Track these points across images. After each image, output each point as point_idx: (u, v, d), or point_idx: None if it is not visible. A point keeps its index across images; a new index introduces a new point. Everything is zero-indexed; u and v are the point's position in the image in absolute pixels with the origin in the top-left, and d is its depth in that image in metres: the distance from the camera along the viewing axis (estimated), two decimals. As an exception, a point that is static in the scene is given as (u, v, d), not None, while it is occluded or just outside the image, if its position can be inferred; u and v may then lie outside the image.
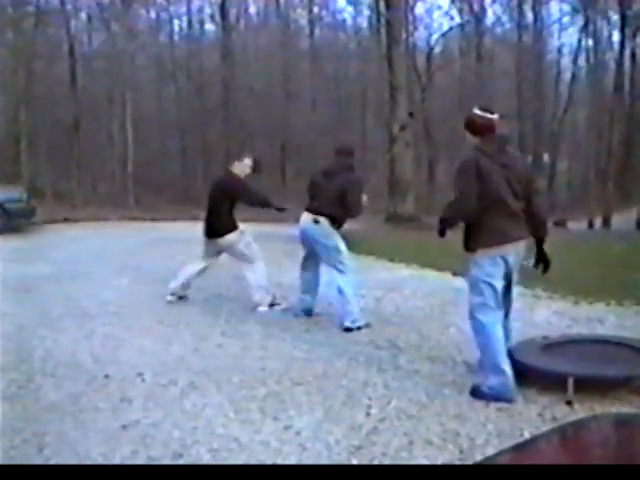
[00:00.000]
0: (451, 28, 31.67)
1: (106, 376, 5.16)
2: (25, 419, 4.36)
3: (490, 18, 32.26)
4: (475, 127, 4.81)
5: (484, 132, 4.77)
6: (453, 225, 5.04)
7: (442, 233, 5.13)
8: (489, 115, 4.85)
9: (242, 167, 7.80)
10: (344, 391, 4.81)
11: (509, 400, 4.49)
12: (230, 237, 7.56)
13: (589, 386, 4.52)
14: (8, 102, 26.30)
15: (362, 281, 8.41)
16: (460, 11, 31.68)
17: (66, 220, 18.90)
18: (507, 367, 4.56)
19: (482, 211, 4.64)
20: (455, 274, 9.18)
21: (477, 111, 4.88)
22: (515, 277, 5.01)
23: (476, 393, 4.62)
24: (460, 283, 8.68)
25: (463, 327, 6.37)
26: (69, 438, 4.08)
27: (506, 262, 4.79)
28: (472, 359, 5.40)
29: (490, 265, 4.77)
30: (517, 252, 4.89)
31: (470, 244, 4.90)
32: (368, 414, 4.39)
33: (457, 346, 5.82)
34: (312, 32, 32.40)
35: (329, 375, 5.17)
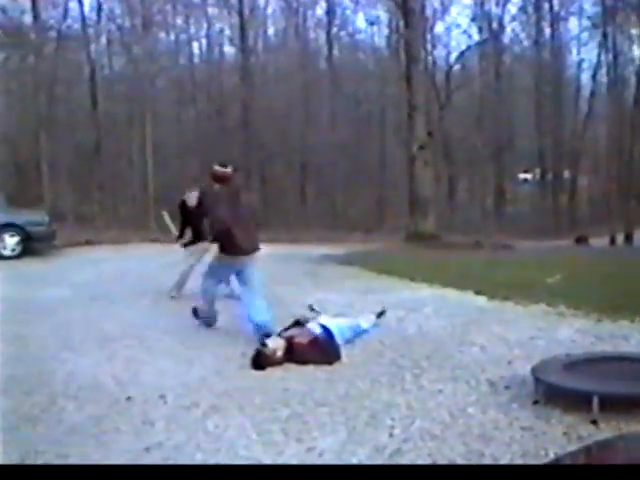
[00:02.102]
0: (469, 47, 31.68)
1: (128, 398, 5.17)
2: (48, 441, 4.38)
3: (508, 35, 32.30)
4: (217, 177, 7.14)
5: (222, 181, 7.13)
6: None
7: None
8: (224, 169, 7.15)
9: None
10: (367, 412, 4.79)
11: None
12: None
13: (614, 405, 4.48)
14: (30, 126, 26.55)
15: (384, 301, 8.42)
16: (479, 29, 31.72)
17: (87, 243, 19.01)
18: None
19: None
20: (477, 293, 9.16)
21: (216, 167, 7.18)
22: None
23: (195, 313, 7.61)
24: (482, 302, 8.69)
25: (486, 346, 6.36)
26: (92, 460, 4.09)
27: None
28: (496, 378, 5.38)
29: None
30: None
31: None
32: (391, 435, 4.37)
33: (480, 365, 5.77)
34: (331, 52, 32.49)
35: (352, 396, 5.15)
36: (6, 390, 5.42)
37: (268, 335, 6.59)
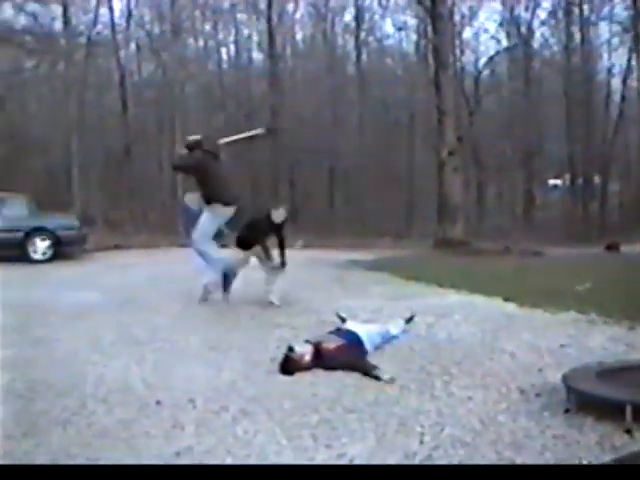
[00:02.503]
0: (498, 52, 31.55)
1: (158, 402, 5.19)
2: (79, 445, 4.40)
3: (538, 40, 32.09)
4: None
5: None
6: None
7: None
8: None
9: None
10: (397, 419, 4.77)
11: None
12: None
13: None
14: (60, 131, 26.85)
15: (412, 307, 8.39)
16: (507, 34, 31.56)
17: (117, 247, 19.17)
18: None
19: None
20: (506, 300, 9.10)
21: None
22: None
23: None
24: (512, 309, 8.63)
25: (516, 353, 6.31)
26: (122, 464, 4.10)
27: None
28: (526, 386, 5.33)
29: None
30: None
31: None
32: (422, 442, 4.34)
33: (510, 373, 5.73)
34: (359, 57, 32.46)
35: (381, 402, 5.13)
36: (38, 393, 5.47)
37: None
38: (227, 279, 9.41)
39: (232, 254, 9.38)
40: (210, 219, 9.09)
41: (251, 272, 9.39)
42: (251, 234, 9.26)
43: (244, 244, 9.26)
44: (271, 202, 9.39)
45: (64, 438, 4.53)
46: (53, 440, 4.50)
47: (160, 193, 27.97)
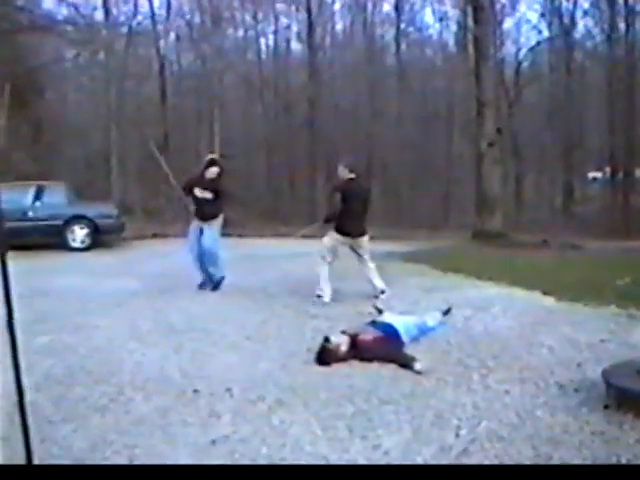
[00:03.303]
0: (539, 42, 31.16)
1: (195, 391, 5.22)
2: (116, 431, 4.45)
3: (580, 31, 31.63)
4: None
5: None
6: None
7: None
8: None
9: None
10: (433, 411, 4.75)
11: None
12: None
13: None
14: (100, 120, 27.12)
15: (450, 299, 8.35)
16: (549, 25, 31.16)
17: (155, 236, 19.32)
18: None
19: None
20: (545, 293, 9.00)
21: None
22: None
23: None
24: (550, 302, 8.54)
25: (555, 347, 6.24)
26: (158, 451, 4.14)
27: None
28: (565, 381, 5.28)
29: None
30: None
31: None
32: (457, 435, 4.32)
33: (549, 367, 5.67)
34: (398, 48, 32.30)
35: (417, 394, 5.11)
36: (76, 379, 5.54)
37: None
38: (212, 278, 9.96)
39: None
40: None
41: (284, 262, 9.40)
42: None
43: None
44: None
45: (102, 424, 4.59)
46: (91, 426, 4.56)
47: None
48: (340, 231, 9.00)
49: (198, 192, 9.79)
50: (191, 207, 10.12)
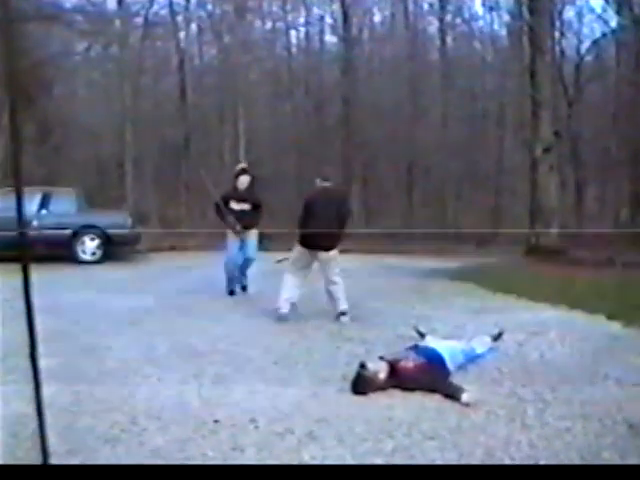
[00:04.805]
0: (604, 34, 30.90)
1: (216, 421, 5.21)
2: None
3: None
4: None
5: None
6: None
7: None
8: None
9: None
10: (482, 448, 4.69)
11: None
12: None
13: None
14: (113, 120, 27.30)
15: (501, 322, 8.28)
16: (617, 14, 30.89)
17: (173, 248, 19.44)
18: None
19: None
20: (610, 318, 8.90)
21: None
22: None
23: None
24: (616, 328, 8.44)
25: (622, 380, 6.16)
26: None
27: None
28: (636, 419, 5.18)
29: None
30: None
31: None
32: (512, 477, 4.27)
33: (616, 402, 5.59)
34: (443, 42, 32.24)
35: (464, 429, 5.07)
36: (85, 406, 5.55)
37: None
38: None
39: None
40: None
41: (314, 279, 9.40)
42: None
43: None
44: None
45: (112, 457, 4.58)
46: (100, 459, 4.54)
47: (221, 189, 28.15)
48: (301, 243, 9.21)
49: (235, 205, 10.39)
50: (230, 219, 10.91)
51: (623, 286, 12.46)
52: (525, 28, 23.30)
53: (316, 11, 32.17)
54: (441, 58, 31.90)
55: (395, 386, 5.89)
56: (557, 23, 28.14)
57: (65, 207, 16.37)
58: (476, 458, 4.52)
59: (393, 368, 6.01)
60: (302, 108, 30.96)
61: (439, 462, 4.46)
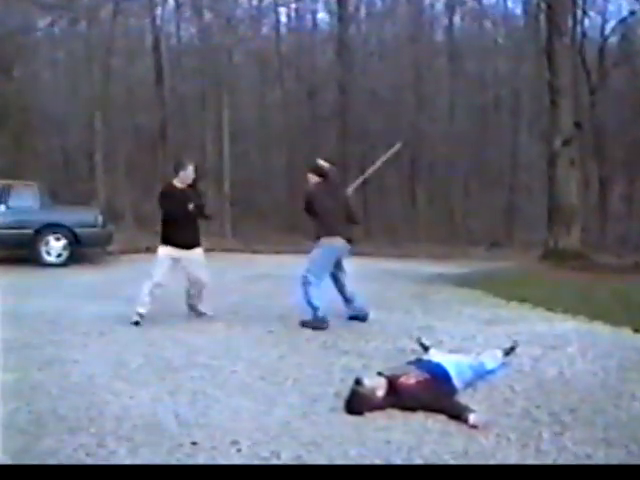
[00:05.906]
0: (632, 12, 30.91)
1: (193, 443, 5.19)
2: (94, 493, 4.43)
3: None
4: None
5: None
6: None
7: None
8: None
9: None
10: (492, 476, 4.69)
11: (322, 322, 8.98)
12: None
13: None
14: (81, 106, 27.22)
15: (514, 334, 8.28)
16: (646, -10, 30.99)
17: (148, 250, 19.33)
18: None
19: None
20: (637, 331, 8.91)
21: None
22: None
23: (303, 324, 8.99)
24: (643, 341, 8.44)
25: (650, 399, 6.16)
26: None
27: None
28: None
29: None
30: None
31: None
32: (524, 509, 4.26)
33: (643, 425, 5.60)
34: (451, 21, 32.35)
35: (472, 454, 5.05)
36: (46, 427, 5.52)
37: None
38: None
39: None
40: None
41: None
42: None
43: None
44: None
45: (77, 484, 4.56)
46: (62, 486, 4.52)
47: (202, 184, 28.21)
48: (167, 242, 9.73)
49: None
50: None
51: (651, 295, 12.49)
52: (542, 5, 23.36)
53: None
54: (448, 39, 31.98)
55: (394, 405, 5.88)
56: (579, 0, 28.16)
57: (27, 203, 16.28)
58: (485, 486, 4.51)
59: (392, 385, 6.00)
60: (293, 95, 30.98)
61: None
